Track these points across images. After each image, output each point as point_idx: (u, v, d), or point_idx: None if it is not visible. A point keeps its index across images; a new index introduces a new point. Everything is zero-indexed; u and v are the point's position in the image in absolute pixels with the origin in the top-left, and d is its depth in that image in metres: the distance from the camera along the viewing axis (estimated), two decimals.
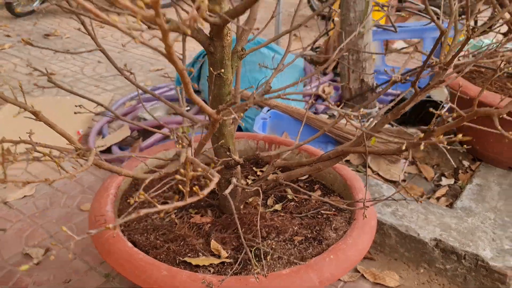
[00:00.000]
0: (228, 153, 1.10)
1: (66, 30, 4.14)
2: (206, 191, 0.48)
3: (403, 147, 0.83)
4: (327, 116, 2.10)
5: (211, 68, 0.97)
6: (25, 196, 1.71)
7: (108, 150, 1.98)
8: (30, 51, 3.48)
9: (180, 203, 0.49)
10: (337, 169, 1.31)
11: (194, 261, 1.02)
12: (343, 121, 2.06)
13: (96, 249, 1.05)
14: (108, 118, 2.29)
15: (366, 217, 1.03)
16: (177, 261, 1.02)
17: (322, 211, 1.20)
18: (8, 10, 4.52)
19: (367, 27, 2.08)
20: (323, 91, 2.26)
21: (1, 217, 1.59)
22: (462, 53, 0.90)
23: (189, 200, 0.49)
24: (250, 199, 1.25)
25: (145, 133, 2.07)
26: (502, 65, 0.90)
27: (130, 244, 1.01)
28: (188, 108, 2.08)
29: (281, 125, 1.89)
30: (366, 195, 1.05)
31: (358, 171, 1.71)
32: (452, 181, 1.68)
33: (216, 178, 0.51)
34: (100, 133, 2.15)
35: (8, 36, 3.89)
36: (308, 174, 1.20)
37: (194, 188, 0.50)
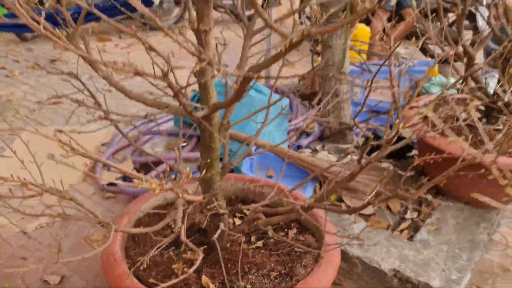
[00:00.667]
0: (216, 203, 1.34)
1: (72, 56, 4.39)
2: (191, 270, 0.71)
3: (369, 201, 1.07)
4: (310, 151, 2.35)
5: (202, 141, 1.21)
6: (41, 226, 1.95)
7: (114, 183, 2.21)
8: (38, 78, 3.72)
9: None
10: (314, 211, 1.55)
11: None
12: (321, 156, 2.30)
13: (108, 283, 1.28)
14: (112, 149, 2.52)
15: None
16: None
17: (296, 249, 1.44)
18: (15, 34, 4.77)
19: (346, 70, 2.33)
20: (307, 126, 2.51)
21: (22, 246, 1.83)
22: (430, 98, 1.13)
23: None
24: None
25: (147, 167, 2.31)
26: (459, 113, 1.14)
27: (136, 280, 1.24)
28: (185, 144, 2.31)
29: (267, 162, 2.13)
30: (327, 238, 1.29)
31: (334, 204, 1.95)
32: (415, 214, 1.93)
33: (200, 257, 0.75)
34: (106, 166, 2.39)
35: (16, 61, 4.14)
36: (284, 221, 1.44)
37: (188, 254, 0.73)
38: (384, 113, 2.30)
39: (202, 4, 1.02)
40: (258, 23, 0.95)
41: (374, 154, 1.17)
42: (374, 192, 1.29)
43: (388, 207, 1.96)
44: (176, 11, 5.56)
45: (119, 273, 1.26)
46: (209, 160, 1.25)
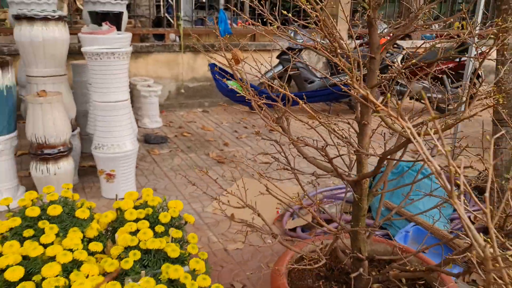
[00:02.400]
0: (356, 253, 1.75)
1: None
2: None
3: None
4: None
5: (354, 200, 1.67)
6: (237, 248, 2.63)
7: (294, 230, 2.78)
8: (257, 142, 4.71)
9: None
10: (442, 276, 1.79)
11: None
12: None
13: None
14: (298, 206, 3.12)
15: None
16: None
17: None
18: (248, 107, 6.06)
19: None
20: (475, 218, 2.64)
21: (222, 259, 2.52)
22: None
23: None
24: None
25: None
26: None
27: None
28: None
29: (421, 238, 2.39)
30: None
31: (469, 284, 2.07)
32: None
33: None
34: (292, 215, 2.99)
35: (245, 127, 5.29)
36: (411, 277, 1.73)
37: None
38: None
39: (364, 107, 1.53)
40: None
41: None
42: None
43: None
44: None
45: (282, 284, 1.77)
46: (356, 216, 1.69)
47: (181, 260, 1.63)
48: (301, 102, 1.40)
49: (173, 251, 1.64)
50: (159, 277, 1.49)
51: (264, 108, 1.79)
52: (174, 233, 1.78)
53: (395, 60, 5.44)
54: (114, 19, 3.49)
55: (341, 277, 1.89)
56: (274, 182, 1.84)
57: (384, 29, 5.27)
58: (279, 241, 1.54)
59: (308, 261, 1.99)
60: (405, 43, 7.11)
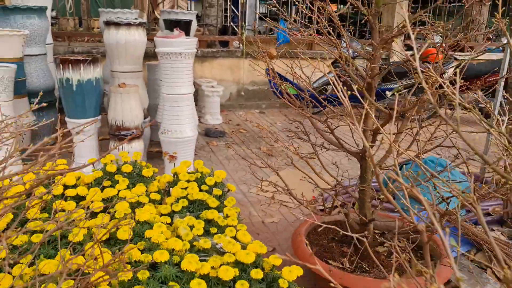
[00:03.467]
0: (361, 217, 2.10)
1: None
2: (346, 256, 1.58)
3: None
4: None
5: (361, 171, 2.03)
6: (273, 221, 3.05)
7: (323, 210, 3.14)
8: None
9: None
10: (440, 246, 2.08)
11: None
12: (493, 234, 2.62)
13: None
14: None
15: None
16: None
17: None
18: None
19: None
20: (493, 210, 2.85)
21: (258, 228, 2.95)
22: None
23: None
24: None
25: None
26: None
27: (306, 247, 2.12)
28: None
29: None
30: None
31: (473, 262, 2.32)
32: None
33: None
34: (325, 199, 3.35)
35: (297, 128, 5.69)
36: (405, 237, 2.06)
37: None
38: None
39: (367, 93, 1.90)
40: None
41: None
42: None
43: None
44: None
45: (300, 243, 2.17)
46: (363, 187, 2.05)
47: (218, 209, 2.09)
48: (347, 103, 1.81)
49: (213, 202, 2.10)
50: (199, 217, 1.96)
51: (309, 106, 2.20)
52: (216, 191, 2.25)
53: (447, 70, 5.60)
54: (184, 26, 4.08)
55: (352, 241, 2.24)
56: (311, 173, 2.24)
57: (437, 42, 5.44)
58: (307, 216, 1.94)
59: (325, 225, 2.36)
60: (467, 55, 7.15)
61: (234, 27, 7.38)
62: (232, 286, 1.52)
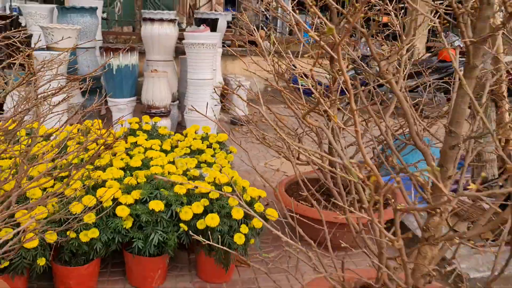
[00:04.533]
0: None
1: None
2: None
3: None
4: None
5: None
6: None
7: None
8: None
9: None
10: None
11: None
12: None
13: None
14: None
15: None
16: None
17: None
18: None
19: None
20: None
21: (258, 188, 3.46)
22: None
23: None
24: None
25: None
26: None
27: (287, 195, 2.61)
28: None
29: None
30: None
31: None
32: None
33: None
34: None
35: (316, 120, 6.15)
36: None
37: None
38: None
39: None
40: None
41: None
42: None
43: None
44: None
45: (279, 187, 2.66)
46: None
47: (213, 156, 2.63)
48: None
49: (209, 150, 2.65)
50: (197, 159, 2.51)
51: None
52: (215, 145, 2.79)
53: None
54: (210, 23, 4.69)
55: (327, 193, 2.70)
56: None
57: (454, 41, 5.80)
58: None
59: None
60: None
61: (265, 29, 7.95)
62: (208, 197, 2.06)
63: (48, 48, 4.05)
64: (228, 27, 7.43)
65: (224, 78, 6.20)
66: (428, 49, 7.09)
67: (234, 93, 6.14)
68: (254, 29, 2.05)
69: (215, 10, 7.01)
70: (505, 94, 2.69)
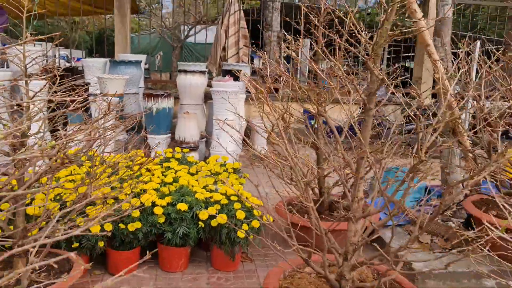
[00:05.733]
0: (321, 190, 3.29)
1: None
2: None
3: None
4: None
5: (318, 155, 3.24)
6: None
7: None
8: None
9: None
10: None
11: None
12: None
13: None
14: None
15: None
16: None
17: None
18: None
19: None
20: None
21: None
22: None
23: None
24: None
25: None
26: None
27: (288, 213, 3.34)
28: None
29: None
30: None
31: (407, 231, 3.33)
32: None
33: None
34: None
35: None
36: None
37: None
38: None
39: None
40: None
41: None
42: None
43: None
44: None
45: (280, 204, 3.38)
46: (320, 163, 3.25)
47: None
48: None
49: (225, 175, 3.43)
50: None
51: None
52: (230, 170, 3.57)
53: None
54: (233, 74, 5.60)
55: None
56: None
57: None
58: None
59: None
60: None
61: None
62: (220, 203, 2.82)
63: (102, 95, 5.02)
64: (254, 73, 8.39)
65: (247, 120, 7.06)
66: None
67: (256, 131, 7.08)
68: (276, 77, 2.84)
69: (242, 61, 8.00)
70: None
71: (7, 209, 2.22)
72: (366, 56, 1.80)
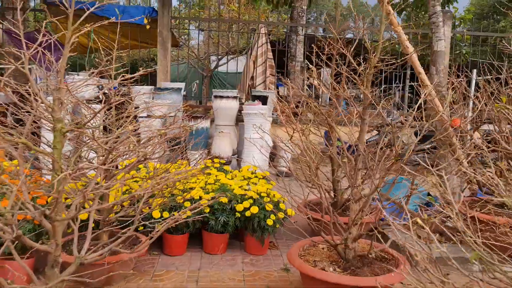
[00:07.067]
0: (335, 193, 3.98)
1: None
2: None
3: None
4: None
5: (332, 159, 3.95)
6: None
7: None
8: None
9: None
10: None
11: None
12: None
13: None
14: None
15: None
16: None
17: None
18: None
19: None
20: None
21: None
22: None
23: None
24: None
25: None
26: None
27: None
28: None
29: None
30: None
31: None
32: None
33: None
34: None
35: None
36: None
37: None
38: None
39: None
40: None
41: None
42: None
43: None
44: None
45: (300, 205, 4.08)
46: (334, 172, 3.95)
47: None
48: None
49: (255, 178, 4.16)
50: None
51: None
52: (259, 176, 4.31)
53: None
54: (262, 99, 6.41)
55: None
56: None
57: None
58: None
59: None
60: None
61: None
62: (252, 198, 3.56)
63: (149, 117, 5.89)
64: (281, 98, 9.20)
65: (273, 141, 7.82)
66: None
67: (282, 148, 7.79)
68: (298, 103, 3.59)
69: (268, 88, 8.83)
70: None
71: (121, 198, 3.02)
72: (357, 80, 2.54)
